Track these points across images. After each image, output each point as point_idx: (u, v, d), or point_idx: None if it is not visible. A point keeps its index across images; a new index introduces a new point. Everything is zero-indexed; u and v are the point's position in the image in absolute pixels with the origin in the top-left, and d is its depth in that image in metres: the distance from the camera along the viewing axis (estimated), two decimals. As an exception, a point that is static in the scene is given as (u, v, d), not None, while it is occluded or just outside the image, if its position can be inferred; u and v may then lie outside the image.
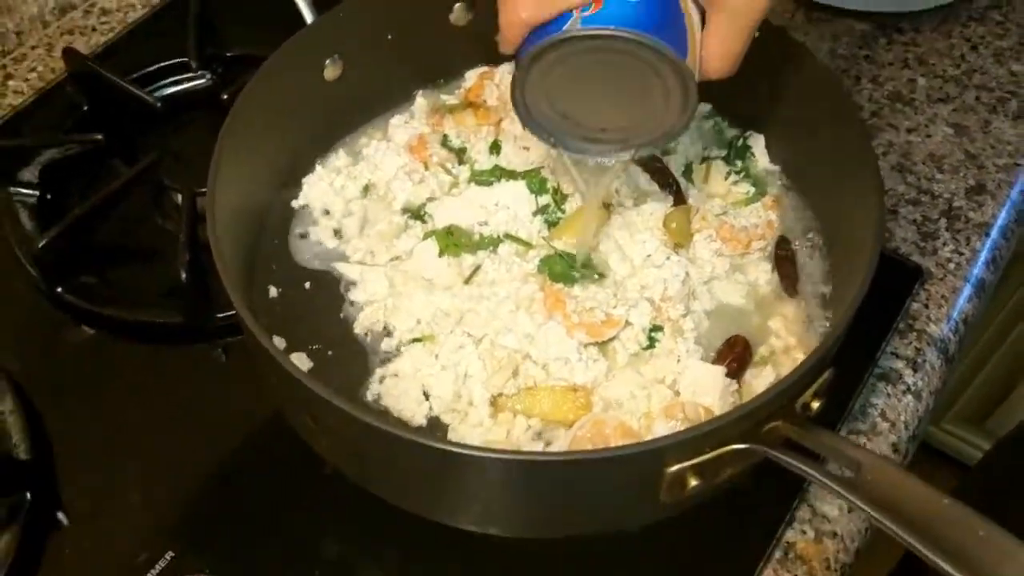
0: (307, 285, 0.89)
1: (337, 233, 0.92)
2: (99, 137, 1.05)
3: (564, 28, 0.64)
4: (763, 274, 0.90)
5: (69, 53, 1.12)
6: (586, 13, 0.63)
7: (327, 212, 0.93)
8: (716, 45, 0.66)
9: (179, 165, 1.05)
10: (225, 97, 1.06)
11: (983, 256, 1.04)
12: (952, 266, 1.02)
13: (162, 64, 1.16)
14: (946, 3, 1.25)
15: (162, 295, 0.98)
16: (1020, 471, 1.18)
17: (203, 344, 0.96)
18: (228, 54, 1.18)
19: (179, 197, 1.02)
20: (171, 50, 1.17)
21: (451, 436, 0.76)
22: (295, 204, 0.94)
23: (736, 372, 0.82)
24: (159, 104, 1.09)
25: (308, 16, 0.92)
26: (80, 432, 0.90)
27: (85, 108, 1.12)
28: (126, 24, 1.26)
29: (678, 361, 0.80)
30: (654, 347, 0.81)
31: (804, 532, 0.83)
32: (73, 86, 1.12)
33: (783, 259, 0.90)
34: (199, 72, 1.16)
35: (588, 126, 0.71)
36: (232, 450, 0.88)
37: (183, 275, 0.92)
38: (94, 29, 1.26)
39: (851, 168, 0.83)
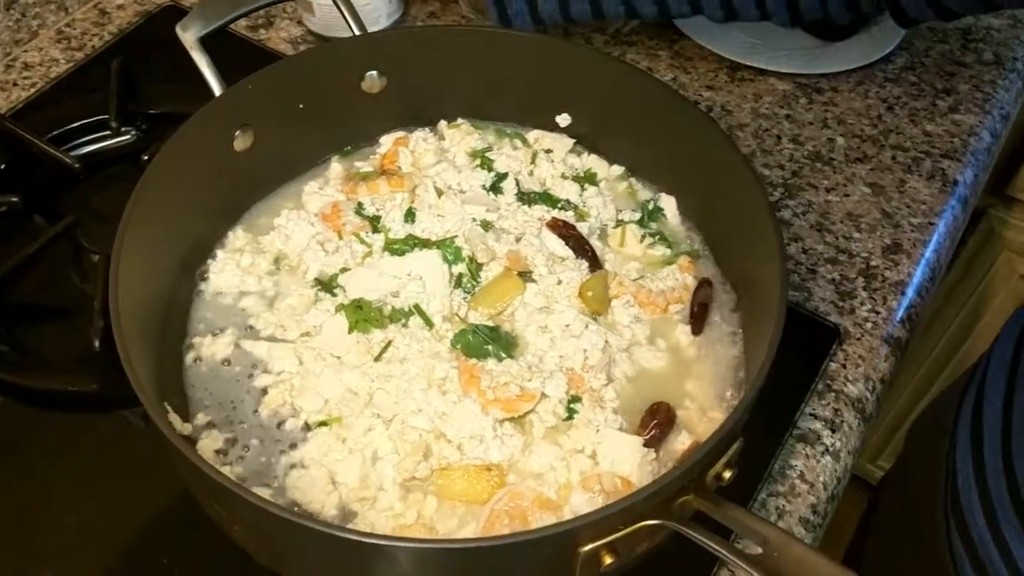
0: (219, 360, 0.87)
1: (246, 311, 0.90)
2: (15, 199, 1.03)
3: None
4: (683, 336, 0.91)
5: (-15, 112, 1.11)
6: None
7: (242, 292, 0.91)
8: None
9: (98, 225, 1.03)
10: (146, 158, 1.05)
11: (899, 315, 1.06)
12: (869, 325, 1.04)
13: (84, 121, 1.15)
14: (863, 64, 1.29)
15: (78, 360, 0.95)
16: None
17: (121, 411, 0.94)
18: (151, 111, 1.17)
19: (96, 258, 1.00)
20: (94, 106, 1.16)
21: (360, 524, 0.75)
22: (205, 295, 0.92)
23: (659, 439, 0.83)
24: (77, 164, 1.07)
25: (216, 88, 0.91)
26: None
27: (3, 167, 1.10)
28: (48, 79, 1.24)
29: (597, 431, 0.81)
30: (573, 418, 0.82)
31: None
32: (-9, 145, 1.10)
33: (699, 299, 0.91)
34: (121, 129, 1.15)
35: None
36: (151, 521, 0.87)
37: (96, 344, 0.90)
38: (15, 84, 1.23)
39: (756, 235, 0.84)
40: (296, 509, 0.76)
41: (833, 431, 0.96)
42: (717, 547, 0.65)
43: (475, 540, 0.69)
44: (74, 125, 1.15)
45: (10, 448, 0.92)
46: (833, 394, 0.99)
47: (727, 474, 0.71)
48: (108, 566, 0.84)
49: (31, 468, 0.90)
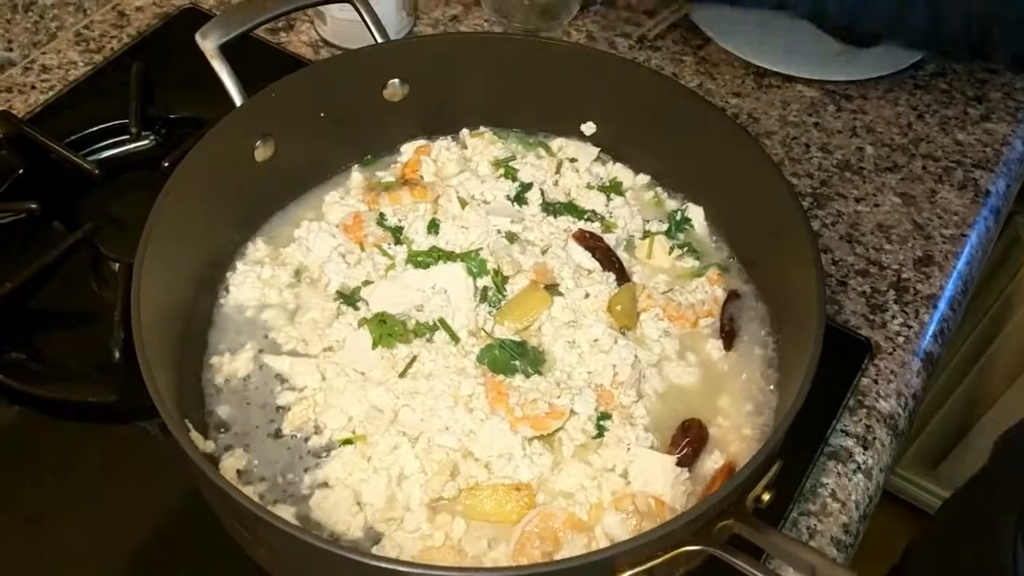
0: (240, 375, 0.85)
1: (267, 324, 0.89)
2: (34, 206, 1.02)
3: None
4: (714, 351, 0.89)
5: (3, 116, 1.09)
6: None
7: (263, 305, 0.90)
8: None
9: (118, 232, 1.02)
10: (167, 164, 1.04)
11: (931, 329, 1.04)
12: (901, 340, 1.02)
13: (103, 126, 1.13)
14: (892, 71, 1.27)
15: (97, 369, 0.94)
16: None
17: (140, 421, 0.93)
18: (171, 116, 1.15)
19: (116, 266, 0.99)
20: (114, 109, 1.14)
21: (387, 545, 0.73)
22: (225, 308, 0.90)
23: (692, 457, 0.81)
24: (96, 171, 1.06)
25: (236, 97, 0.90)
26: (5, 514, 0.86)
27: (21, 172, 1.08)
28: (67, 82, 1.23)
29: (628, 449, 0.79)
30: (603, 436, 0.80)
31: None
32: (8, 149, 1.09)
33: (729, 312, 0.90)
34: (141, 134, 1.13)
35: None
36: (167, 534, 0.85)
37: (116, 354, 0.89)
38: (33, 87, 1.22)
39: (788, 246, 0.82)
40: (321, 530, 0.75)
41: (865, 448, 0.94)
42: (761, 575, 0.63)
43: (510, 569, 0.67)
44: (93, 130, 1.13)
45: (29, 458, 0.90)
46: (865, 410, 0.97)
47: (766, 496, 0.70)
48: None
49: (50, 477, 0.89)
